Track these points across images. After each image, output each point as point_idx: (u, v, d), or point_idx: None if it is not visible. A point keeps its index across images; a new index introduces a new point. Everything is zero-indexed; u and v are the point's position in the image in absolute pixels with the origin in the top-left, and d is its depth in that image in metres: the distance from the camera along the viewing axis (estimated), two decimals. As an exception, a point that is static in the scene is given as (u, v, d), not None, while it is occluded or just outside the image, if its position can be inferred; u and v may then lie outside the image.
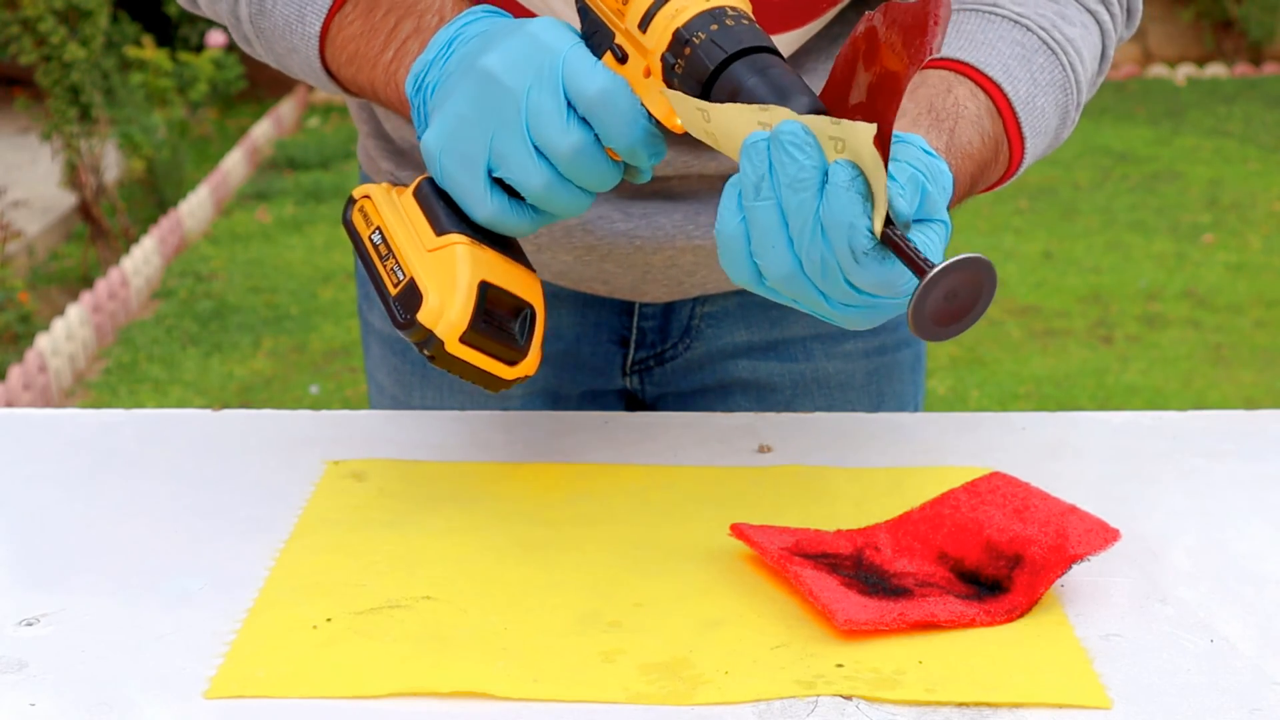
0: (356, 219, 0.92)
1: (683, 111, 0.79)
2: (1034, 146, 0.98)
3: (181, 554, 0.90)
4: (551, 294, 1.18)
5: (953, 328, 0.74)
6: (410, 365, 1.23)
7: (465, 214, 0.88)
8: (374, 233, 0.90)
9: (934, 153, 0.79)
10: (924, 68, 0.94)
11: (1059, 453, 1.03)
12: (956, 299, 0.73)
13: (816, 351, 1.21)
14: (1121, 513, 0.92)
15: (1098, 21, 1.02)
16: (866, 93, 0.76)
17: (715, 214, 1.11)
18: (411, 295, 0.86)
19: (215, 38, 6.82)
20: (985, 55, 0.96)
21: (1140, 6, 1.06)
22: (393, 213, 0.90)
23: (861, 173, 0.73)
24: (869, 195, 0.74)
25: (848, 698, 0.75)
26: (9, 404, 3.62)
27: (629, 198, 1.10)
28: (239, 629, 0.81)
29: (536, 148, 0.84)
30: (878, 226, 0.74)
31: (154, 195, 5.49)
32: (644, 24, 0.82)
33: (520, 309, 0.88)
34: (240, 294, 4.79)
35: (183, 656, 0.79)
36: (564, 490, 0.98)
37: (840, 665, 0.77)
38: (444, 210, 0.88)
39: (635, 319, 1.20)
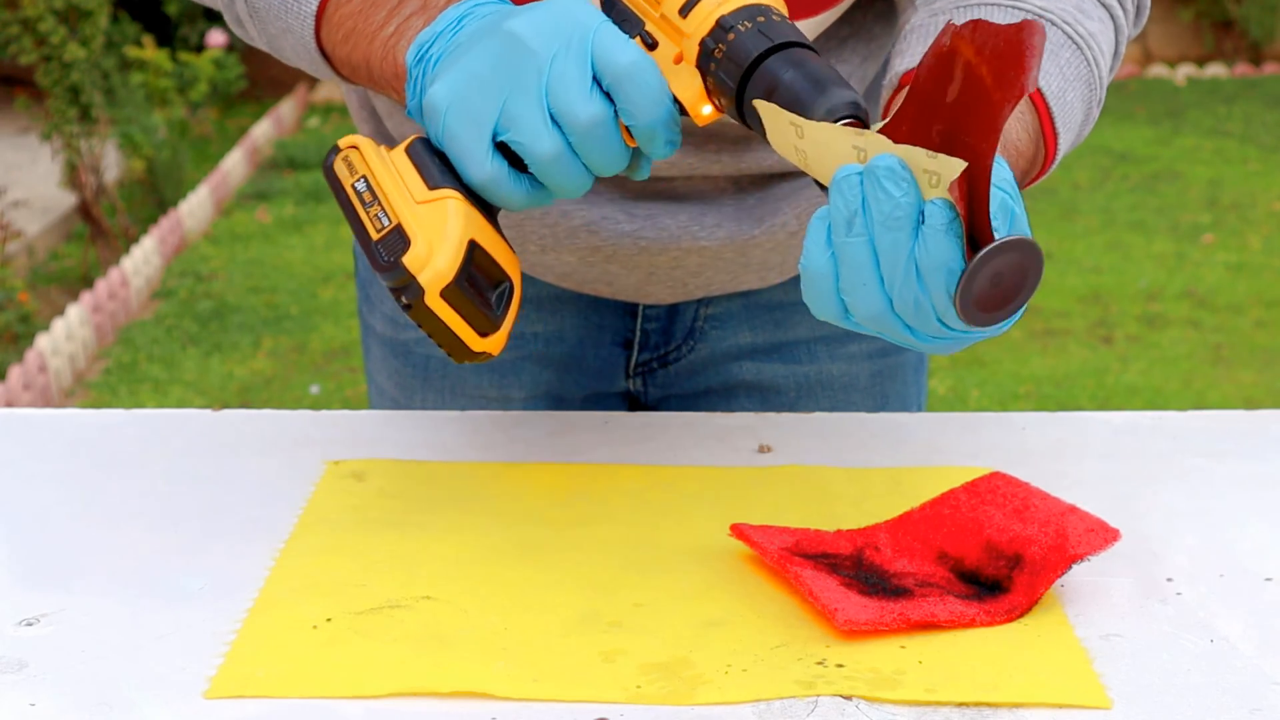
0: (339, 167, 0.90)
1: (773, 124, 0.78)
2: (1065, 141, 0.96)
3: (181, 554, 0.90)
4: (555, 296, 1.18)
5: (998, 314, 0.73)
6: (411, 368, 1.23)
7: (459, 176, 0.86)
8: (358, 180, 0.88)
9: (1003, 161, 0.77)
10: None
11: (1059, 453, 1.03)
12: (1002, 282, 0.72)
13: (820, 353, 1.21)
14: (1121, 513, 0.92)
15: (1112, 17, 1.01)
16: (953, 119, 0.73)
17: (720, 215, 1.10)
18: (398, 239, 0.84)
19: (215, 38, 6.83)
20: None
21: (1149, 5, 1.05)
22: (381, 165, 0.88)
23: (958, 214, 0.72)
24: (963, 235, 0.72)
25: (848, 698, 0.75)
26: (9, 404, 3.62)
27: (634, 198, 1.10)
28: (239, 629, 0.81)
29: (552, 116, 0.82)
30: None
31: (154, 195, 5.49)
32: (685, 10, 0.83)
33: (500, 280, 0.87)
34: (240, 294, 4.79)
35: (183, 656, 0.79)
36: (564, 490, 0.98)
37: (840, 665, 0.77)
38: (438, 167, 0.86)
39: (639, 321, 1.19)
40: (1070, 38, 0.96)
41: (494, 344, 0.87)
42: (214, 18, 7.37)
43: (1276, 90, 7.28)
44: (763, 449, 1.04)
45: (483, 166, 0.84)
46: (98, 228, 4.97)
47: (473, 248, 0.84)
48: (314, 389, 4.02)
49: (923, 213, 0.72)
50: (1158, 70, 7.74)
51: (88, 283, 4.65)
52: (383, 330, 1.24)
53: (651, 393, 1.23)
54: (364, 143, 0.90)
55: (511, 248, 0.88)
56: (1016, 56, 0.70)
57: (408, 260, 0.83)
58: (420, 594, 0.84)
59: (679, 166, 1.07)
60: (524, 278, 1.17)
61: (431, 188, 0.85)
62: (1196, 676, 0.77)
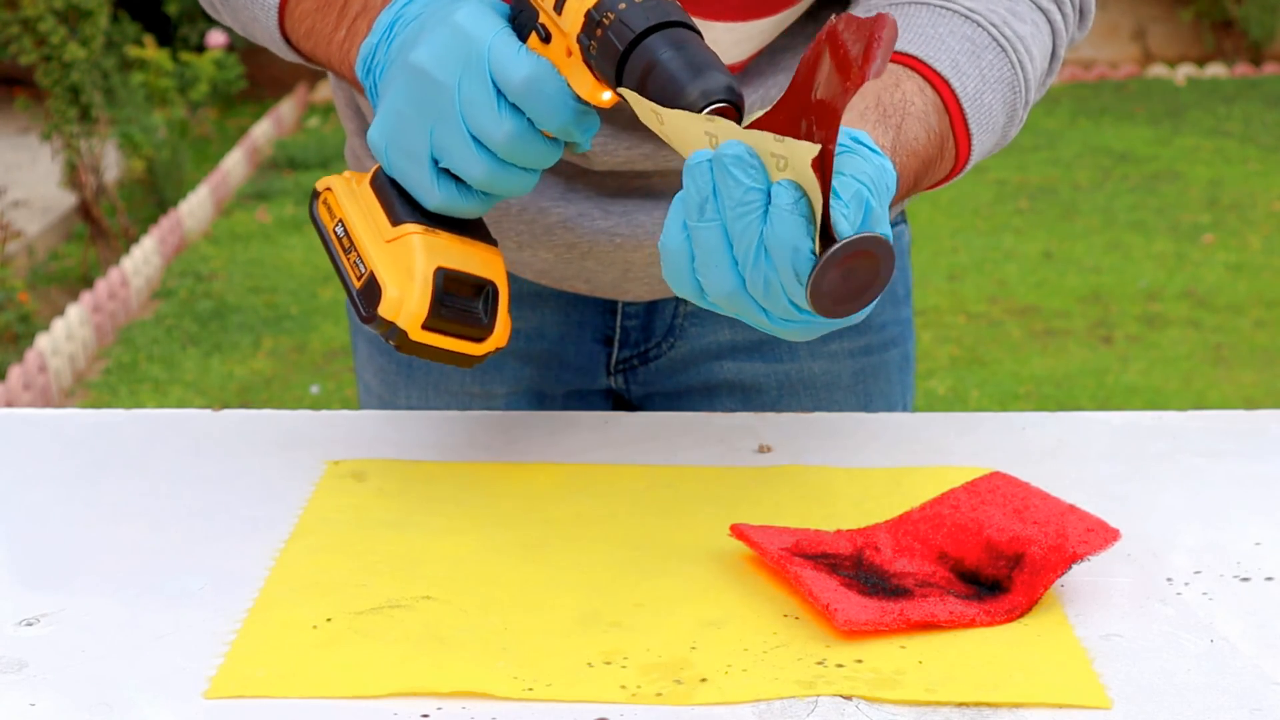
0: (321, 212, 0.94)
1: (640, 112, 0.80)
2: (980, 144, 0.97)
3: (181, 554, 0.90)
4: (534, 293, 1.19)
5: (849, 306, 0.74)
6: (395, 365, 1.24)
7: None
8: (337, 225, 0.92)
9: (879, 150, 0.78)
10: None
11: (1059, 453, 1.03)
12: (853, 276, 0.73)
13: (801, 352, 1.22)
14: (1121, 513, 0.92)
15: (1049, 20, 1.01)
16: (816, 108, 0.75)
17: None
18: (372, 289, 0.88)
19: (216, 38, 6.82)
20: (935, 50, 0.95)
21: (1093, 7, 1.06)
22: (353, 204, 0.92)
23: (805, 193, 0.73)
24: (812, 215, 0.73)
25: (848, 698, 0.75)
26: (9, 404, 3.62)
27: (610, 195, 1.10)
28: (239, 629, 0.81)
29: (474, 137, 0.85)
30: (819, 246, 0.73)
31: (154, 195, 5.49)
32: (559, 6, 0.83)
33: (481, 287, 0.90)
34: (240, 294, 4.79)
35: (183, 656, 0.79)
36: (564, 490, 0.98)
37: (840, 665, 0.77)
38: (398, 199, 0.89)
39: (619, 318, 1.20)
40: (996, 40, 0.97)
41: (495, 342, 0.91)
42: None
43: (1276, 90, 7.28)
44: (763, 449, 1.04)
45: (433, 194, 0.88)
46: (98, 228, 4.97)
47: (441, 275, 0.88)
48: (314, 389, 4.02)
49: (769, 193, 0.74)
50: (1158, 70, 7.74)
51: (88, 283, 4.65)
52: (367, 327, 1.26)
53: (634, 390, 1.24)
54: (336, 183, 0.94)
55: (492, 240, 0.92)
56: (864, 46, 0.72)
57: (383, 310, 0.87)
58: (420, 594, 0.84)
59: (655, 161, 1.08)
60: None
61: (394, 224, 0.89)
62: (1196, 676, 0.77)
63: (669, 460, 1.02)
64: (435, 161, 0.87)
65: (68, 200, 5.28)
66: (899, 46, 0.95)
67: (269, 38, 1.02)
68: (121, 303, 4.55)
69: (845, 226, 0.74)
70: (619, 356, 1.22)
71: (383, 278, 0.88)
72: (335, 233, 0.92)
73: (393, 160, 0.88)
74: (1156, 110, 7.00)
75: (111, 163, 5.43)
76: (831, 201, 0.74)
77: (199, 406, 2.50)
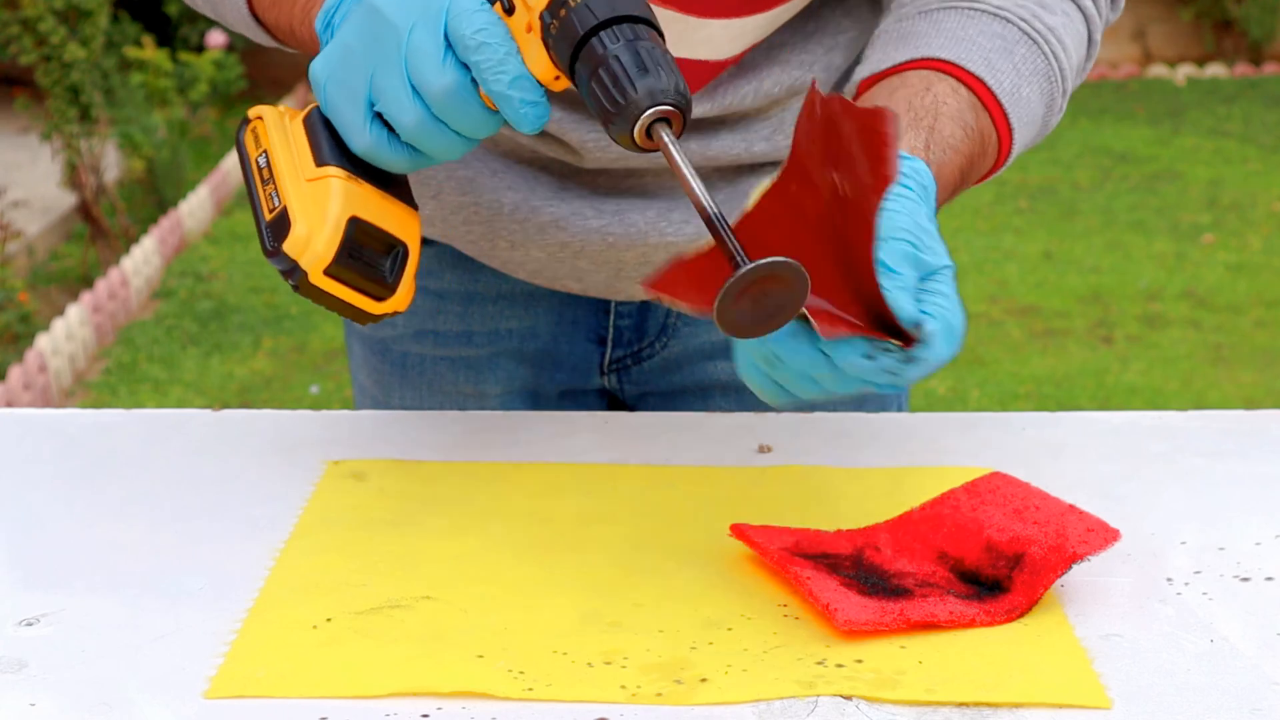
0: (248, 139, 0.93)
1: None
2: (1021, 136, 0.98)
3: (181, 554, 0.90)
4: (527, 293, 1.19)
5: (758, 328, 0.75)
6: (389, 366, 1.24)
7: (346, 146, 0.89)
8: (261, 155, 0.91)
9: (909, 156, 0.79)
10: (902, 69, 0.95)
11: (1059, 453, 1.03)
12: (765, 300, 0.74)
13: None
14: (1121, 513, 0.92)
15: (1080, 8, 1.02)
16: (843, 202, 0.78)
17: (688, 211, 1.12)
18: (281, 223, 0.87)
19: (215, 38, 6.82)
20: (965, 51, 0.96)
21: None
22: (281, 138, 0.90)
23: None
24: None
25: (848, 698, 0.75)
26: (9, 404, 3.62)
27: (602, 194, 1.10)
28: (239, 629, 0.81)
29: (414, 86, 0.84)
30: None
31: (154, 195, 5.48)
32: None
33: (392, 246, 0.89)
34: (240, 294, 4.78)
35: (183, 656, 0.79)
36: (564, 490, 0.98)
37: (840, 665, 0.77)
38: (327, 141, 0.88)
39: (611, 317, 1.20)
40: (1027, 34, 0.98)
41: (394, 305, 0.90)
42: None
43: (1276, 90, 7.28)
44: (763, 449, 1.04)
45: (362, 137, 0.86)
46: (98, 228, 4.97)
47: (353, 224, 0.87)
48: (314, 389, 4.02)
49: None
50: (1158, 70, 7.74)
51: (88, 283, 4.64)
52: (364, 329, 1.25)
53: (627, 389, 1.24)
54: (269, 113, 0.92)
55: (413, 204, 0.91)
56: (877, 146, 0.75)
57: (288, 246, 0.86)
58: (420, 594, 0.84)
59: (648, 160, 1.08)
60: (497, 275, 1.19)
61: (319, 164, 0.88)
62: (1196, 676, 0.77)
63: (669, 460, 1.02)
64: (371, 104, 0.86)
65: (68, 200, 5.28)
66: (929, 52, 0.96)
67: (236, 14, 1.02)
68: (121, 303, 4.55)
69: (910, 310, 0.76)
70: (612, 356, 1.22)
71: (295, 214, 0.87)
72: (257, 162, 0.91)
73: (329, 95, 0.87)
74: (1156, 110, 7.00)
75: (111, 163, 5.43)
76: (887, 282, 0.77)
77: (199, 406, 2.50)
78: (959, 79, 0.95)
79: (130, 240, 5.04)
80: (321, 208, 0.86)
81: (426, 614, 0.82)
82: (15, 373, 3.72)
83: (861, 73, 0.98)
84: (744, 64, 1.07)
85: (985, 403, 3.90)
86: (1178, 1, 7.84)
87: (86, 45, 4.66)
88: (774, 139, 1.11)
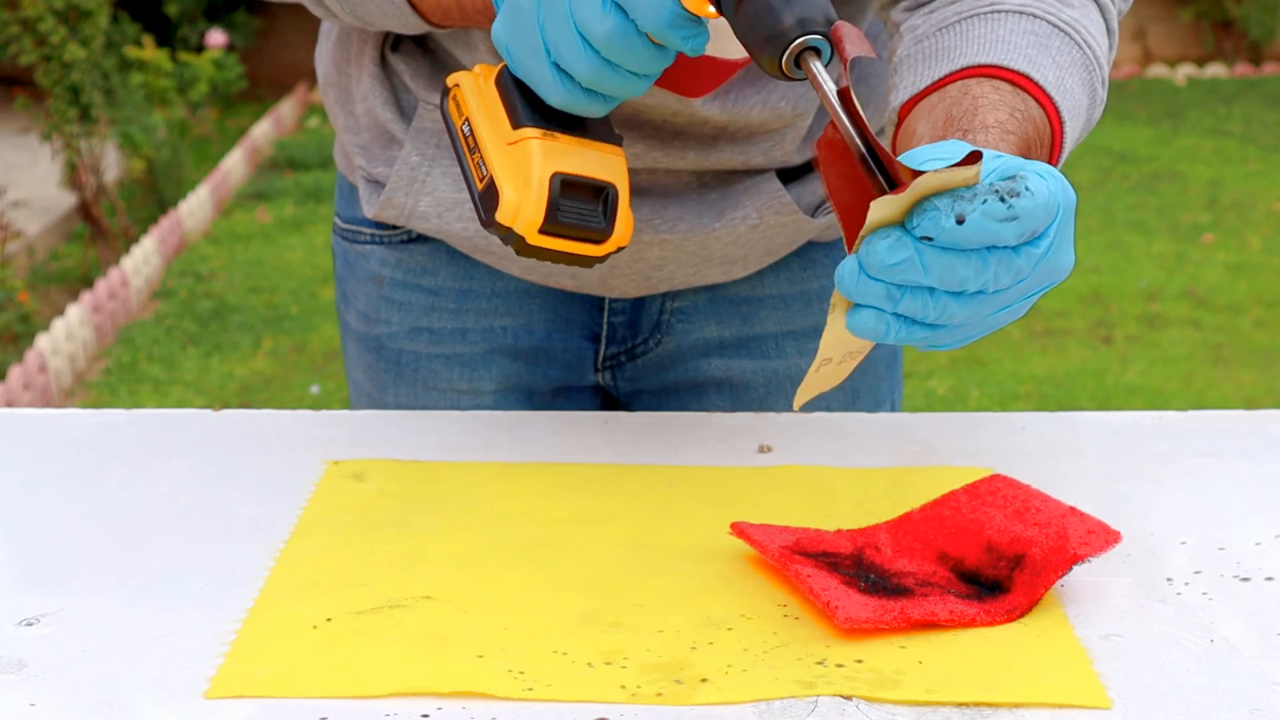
0: (451, 109, 0.95)
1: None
2: (1072, 130, 0.95)
3: (181, 554, 0.90)
4: (521, 290, 1.20)
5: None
6: (384, 363, 1.24)
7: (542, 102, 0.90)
8: (464, 124, 0.93)
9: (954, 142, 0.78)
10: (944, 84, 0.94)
11: (1059, 453, 1.03)
12: None
13: (789, 348, 1.22)
14: (1121, 513, 0.92)
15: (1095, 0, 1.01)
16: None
17: (681, 208, 1.12)
18: (491, 193, 0.90)
19: (215, 38, 6.82)
20: (1002, 52, 0.93)
21: None
22: (478, 103, 0.93)
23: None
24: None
25: (848, 698, 0.75)
26: (9, 404, 3.62)
27: None
28: (239, 629, 0.81)
29: (580, 33, 0.85)
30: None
31: (154, 195, 5.49)
32: None
33: (601, 189, 0.91)
34: (240, 294, 4.79)
35: (183, 656, 0.79)
36: (564, 490, 0.98)
37: (840, 665, 0.77)
38: (520, 100, 0.91)
39: (605, 314, 1.21)
40: (1057, 27, 0.96)
41: (616, 242, 0.92)
42: (214, 17, 7.37)
43: (1276, 90, 7.28)
44: (763, 449, 1.04)
45: (555, 90, 0.88)
46: (98, 228, 4.97)
47: (558, 181, 0.89)
48: (314, 389, 4.02)
49: None
50: (1158, 70, 7.74)
51: (88, 283, 4.65)
52: (357, 326, 1.25)
53: (622, 386, 1.24)
54: (465, 80, 0.95)
55: (616, 139, 0.93)
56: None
57: (500, 215, 0.89)
58: (420, 594, 0.84)
59: (643, 160, 1.09)
60: (491, 272, 1.20)
61: (515, 127, 0.90)
62: (1196, 676, 0.77)
63: (669, 460, 1.02)
64: (550, 57, 0.87)
65: (68, 200, 5.28)
66: (965, 62, 0.93)
67: (387, 6, 1.01)
68: (121, 303, 4.54)
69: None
70: (606, 353, 1.22)
71: (501, 182, 0.89)
72: (462, 131, 0.93)
73: (515, 55, 0.88)
74: (1156, 110, 7.00)
75: (111, 163, 5.43)
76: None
77: (199, 406, 2.50)
78: (1000, 79, 0.92)
79: (130, 240, 5.04)
80: (525, 171, 0.89)
81: (426, 614, 0.82)
82: (15, 373, 3.72)
83: (898, 99, 0.95)
84: (755, 71, 1.07)
85: (985, 403, 3.90)
86: (1178, 1, 7.84)
87: (86, 45, 4.66)
88: (771, 153, 1.12)
